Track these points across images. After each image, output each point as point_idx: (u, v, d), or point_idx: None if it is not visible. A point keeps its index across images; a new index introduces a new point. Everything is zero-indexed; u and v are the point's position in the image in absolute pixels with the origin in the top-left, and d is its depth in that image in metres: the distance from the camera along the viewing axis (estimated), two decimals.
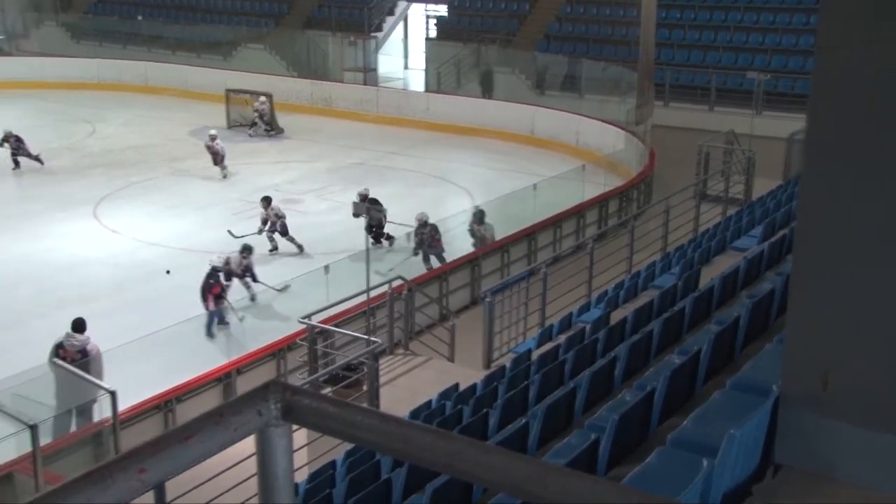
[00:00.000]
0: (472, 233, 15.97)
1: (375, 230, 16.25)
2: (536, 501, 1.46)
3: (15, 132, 22.18)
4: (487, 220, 16.03)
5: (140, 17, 36.65)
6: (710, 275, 9.63)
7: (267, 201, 16.72)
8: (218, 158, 21.20)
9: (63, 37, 37.17)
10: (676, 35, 27.85)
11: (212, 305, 13.40)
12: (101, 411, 9.72)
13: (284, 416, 1.52)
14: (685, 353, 5.95)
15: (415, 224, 15.55)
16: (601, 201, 18.50)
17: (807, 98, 3.67)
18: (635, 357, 7.16)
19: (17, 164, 22.05)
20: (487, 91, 28.31)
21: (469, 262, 15.25)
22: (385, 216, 16.45)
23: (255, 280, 14.42)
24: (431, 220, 15.73)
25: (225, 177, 21.33)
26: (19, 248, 16.85)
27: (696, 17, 28.22)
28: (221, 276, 13.71)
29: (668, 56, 26.93)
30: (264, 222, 16.60)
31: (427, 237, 15.44)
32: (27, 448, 8.71)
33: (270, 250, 16.47)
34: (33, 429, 8.62)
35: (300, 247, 16.57)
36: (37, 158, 22.16)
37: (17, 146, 22.00)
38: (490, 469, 1.50)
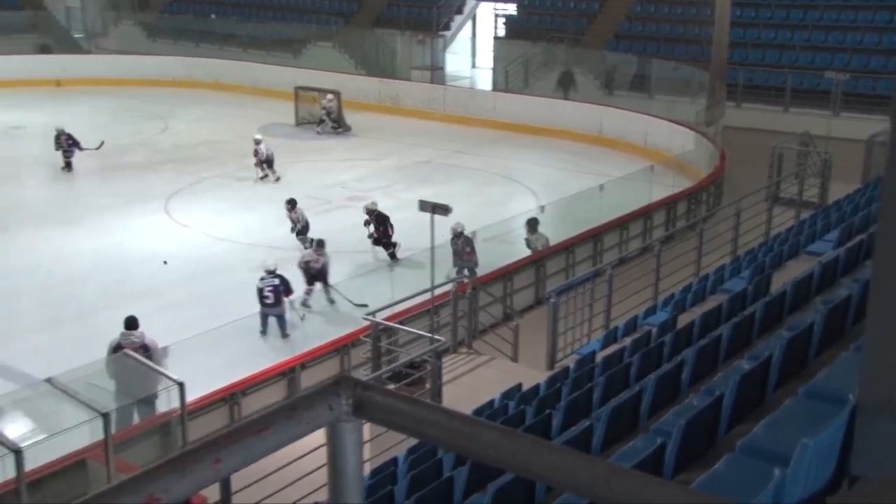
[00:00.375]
0: (528, 243, 15.55)
1: (382, 242, 16.18)
2: (604, 503, 1.44)
3: (67, 130, 21.86)
4: (541, 228, 15.70)
5: (213, 16, 37.41)
6: (782, 279, 9.40)
7: (292, 204, 16.83)
8: (257, 161, 21.30)
9: (139, 35, 38.14)
10: (751, 34, 27.30)
11: (285, 309, 13.37)
12: (170, 402, 9.93)
13: (355, 412, 1.53)
14: (755, 359, 5.82)
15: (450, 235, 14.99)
16: (669, 203, 18.24)
17: (889, 99, 3.53)
18: (703, 361, 7.03)
19: (69, 165, 21.83)
20: (567, 91, 28.05)
21: (534, 262, 15.17)
22: (392, 229, 16.20)
23: (326, 282, 14.42)
24: (502, 218, 15.46)
25: (277, 180, 21.19)
26: (92, 242, 17.29)
27: (773, 15, 27.61)
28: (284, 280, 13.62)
29: (742, 56, 26.43)
30: (294, 222, 16.74)
31: (460, 249, 14.87)
32: (99, 435, 8.94)
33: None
34: (105, 417, 8.85)
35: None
36: (70, 164, 21.84)
37: (70, 145, 21.72)
38: (559, 469, 1.49)
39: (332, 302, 14.42)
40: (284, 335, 13.33)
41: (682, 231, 16.65)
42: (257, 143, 21.28)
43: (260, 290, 13.18)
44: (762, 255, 11.88)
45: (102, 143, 22.27)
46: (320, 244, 14.59)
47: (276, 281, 13.20)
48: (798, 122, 21.48)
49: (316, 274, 14.34)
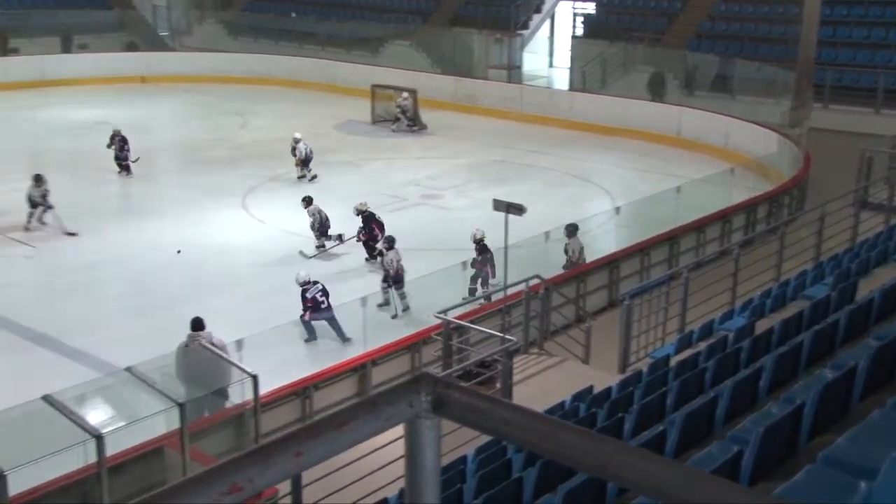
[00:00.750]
0: (565, 249, 14.92)
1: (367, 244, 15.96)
2: None
3: (123, 133, 21.70)
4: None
5: (293, 15, 38.01)
6: (869, 287, 9.10)
7: (307, 201, 16.84)
8: (297, 160, 21.35)
9: (222, 33, 38.99)
10: (841, 33, 26.47)
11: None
12: (243, 394, 10.09)
13: (434, 409, 1.52)
14: (839, 368, 5.64)
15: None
16: (749, 206, 17.83)
17: None
18: (782, 369, 6.84)
19: (126, 168, 21.61)
20: (657, 94, 27.58)
21: (607, 263, 15.00)
22: (381, 232, 15.82)
23: (394, 285, 14.21)
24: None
25: (313, 178, 21.14)
26: (173, 236, 17.68)
27: (867, 13, 26.68)
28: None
29: (831, 55, 25.65)
30: (312, 218, 16.75)
31: (475, 257, 14.34)
32: (175, 424, 9.15)
33: (318, 248, 16.66)
34: (182, 407, 9.05)
35: (339, 239, 16.52)
36: (127, 166, 21.67)
37: (122, 147, 21.57)
38: (637, 471, 1.47)
39: (405, 309, 14.18)
40: (346, 339, 13.05)
41: (762, 235, 16.23)
42: (296, 141, 21.41)
43: (314, 299, 13.02)
44: (847, 261, 11.51)
45: (138, 157, 21.83)
46: (388, 240, 14.55)
47: (321, 286, 13.15)
48: (890, 125, 20.80)
49: (391, 274, 14.28)
